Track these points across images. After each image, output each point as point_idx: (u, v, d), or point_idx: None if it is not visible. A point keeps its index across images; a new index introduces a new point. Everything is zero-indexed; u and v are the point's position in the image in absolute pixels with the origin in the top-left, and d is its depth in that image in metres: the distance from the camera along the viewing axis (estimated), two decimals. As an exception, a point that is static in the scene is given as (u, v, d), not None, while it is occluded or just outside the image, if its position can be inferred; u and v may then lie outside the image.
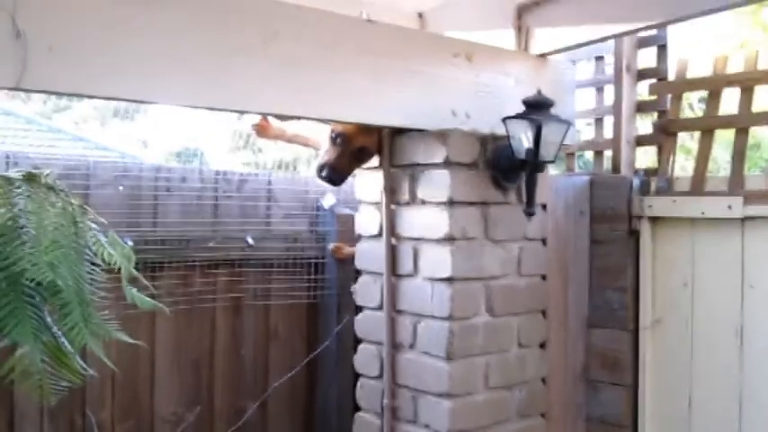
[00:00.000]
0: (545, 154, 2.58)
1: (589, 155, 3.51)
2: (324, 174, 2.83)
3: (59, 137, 7.94)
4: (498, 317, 2.75)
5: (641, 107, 3.18)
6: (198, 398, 3.49)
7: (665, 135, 2.98)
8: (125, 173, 3.27)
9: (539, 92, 2.62)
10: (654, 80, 3.12)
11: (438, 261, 2.64)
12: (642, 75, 3.17)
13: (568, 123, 2.61)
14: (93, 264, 1.80)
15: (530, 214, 2.67)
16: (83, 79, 1.95)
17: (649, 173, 3.00)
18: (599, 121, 3.34)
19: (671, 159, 2.96)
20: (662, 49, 3.11)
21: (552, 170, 3.53)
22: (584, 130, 3.85)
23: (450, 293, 2.60)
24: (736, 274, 2.72)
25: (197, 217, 3.44)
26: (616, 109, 3.14)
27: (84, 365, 2.11)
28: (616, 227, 3.00)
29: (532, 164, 2.59)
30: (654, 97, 3.10)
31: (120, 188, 3.25)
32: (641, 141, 3.16)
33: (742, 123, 2.79)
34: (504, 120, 2.60)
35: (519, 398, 2.82)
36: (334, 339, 3.69)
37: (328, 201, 3.77)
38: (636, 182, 2.98)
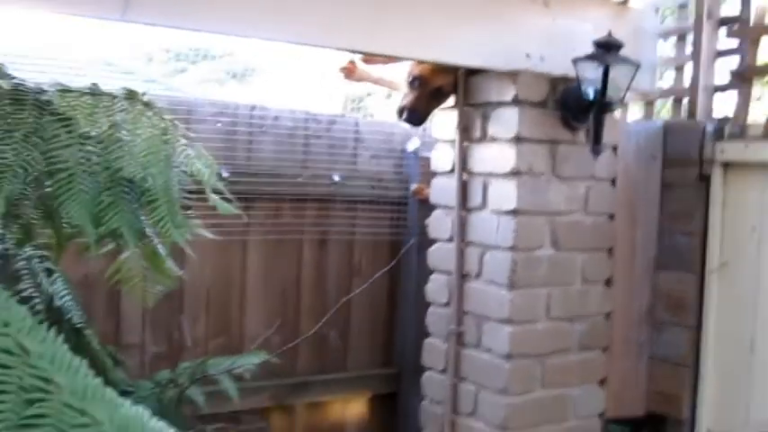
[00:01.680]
0: (613, 95, 2.68)
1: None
2: (403, 116, 3.01)
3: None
4: (562, 251, 2.88)
5: (720, 55, 3.19)
6: (284, 322, 3.77)
7: (740, 81, 3.00)
8: (223, 110, 3.55)
9: (609, 33, 2.70)
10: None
11: (504, 194, 2.79)
12: (724, 22, 3.17)
13: (637, 65, 2.69)
14: (182, 171, 2.04)
15: (596, 153, 2.78)
16: (181, 12, 2.20)
17: (724, 120, 3.03)
18: (680, 70, 3.36)
19: (746, 105, 2.97)
20: (745, -5, 3.10)
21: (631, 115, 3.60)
22: (666, 78, 3.85)
23: (514, 225, 2.75)
24: (805, 218, 2.75)
25: (288, 154, 3.68)
26: (695, 56, 3.17)
27: (177, 268, 2.38)
28: (687, 171, 3.05)
29: (600, 104, 2.69)
30: (733, 44, 3.11)
31: (219, 124, 3.53)
32: (719, 89, 3.17)
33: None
34: (574, 60, 2.70)
35: (580, 330, 2.95)
36: (414, 275, 3.88)
37: (413, 144, 3.95)
38: (709, 128, 3.02)
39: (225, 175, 3.42)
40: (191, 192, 2.30)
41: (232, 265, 3.62)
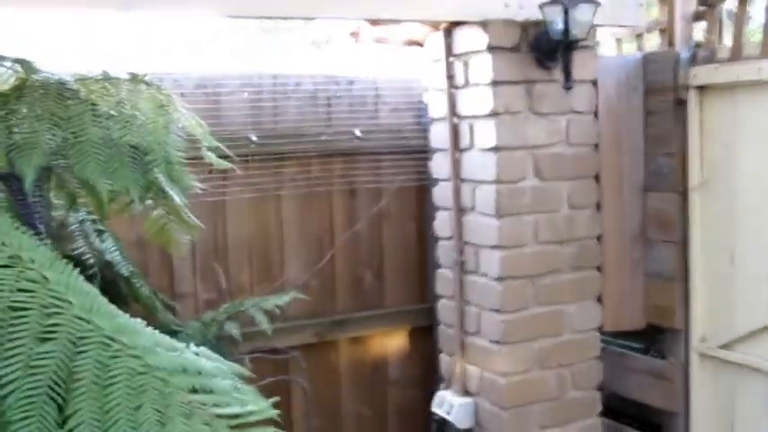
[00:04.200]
0: (577, 33, 2.93)
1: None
2: None
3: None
4: (547, 181, 3.16)
5: (696, -17, 3.35)
6: (321, 267, 4.17)
7: (707, 7, 3.17)
8: (248, 81, 3.95)
9: (569, -23, 2.93)
10: (708, -44, 3.27)
11: (486, 133, 3.09)
12: (699, -48, 3.32)
13: (596, 4, 2.92)
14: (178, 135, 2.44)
15: (568, 88, 3.04)
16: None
17: (697, 46, 3.21)
18: (663, 2, 3.53)
19: (714, 30, 3.15)
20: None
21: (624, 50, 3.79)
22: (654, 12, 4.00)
23: (496, 160, 3.06)
24: (768, 133, 2.93)
25: (311, 115, 4.06)
26: (674, -16, 3.34)
27: (196, 220, 2.81)
28: (665, 98, 3.26)
29: (566, 42, 2.94)
30: (705, -27, 3.26)
31: (245, 94, 3.94)
32: (696, 17, 3.34)
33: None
34: (540, 5, 2.96)
35: (571, 252, 3.24)
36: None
37: (429, 95, 4.25)
38: (684, 55, 3.21)
39: (254, 138, 3.84)
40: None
41: (269, 219, 4.04)
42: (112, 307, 1.87)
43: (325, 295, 4.16)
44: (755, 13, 3.44)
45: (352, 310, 4.22)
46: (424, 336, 4.37)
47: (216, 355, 2.00)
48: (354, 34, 3.71)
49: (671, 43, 3.37)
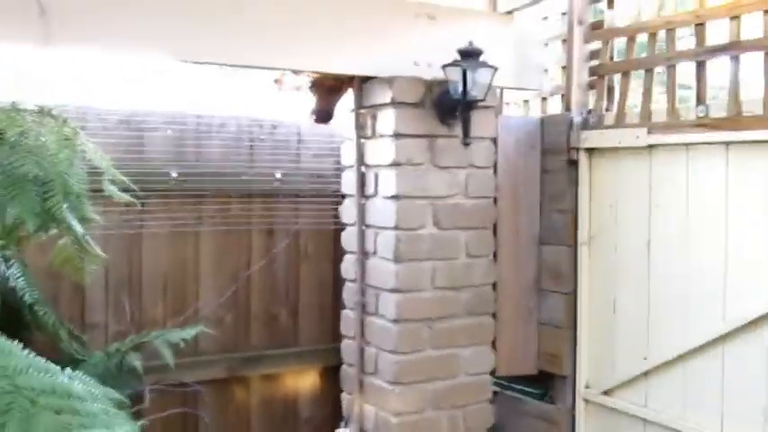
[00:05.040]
0: (475, 93, 3.14)
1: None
2: (314, 119, 3.54)
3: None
4: (445, 230, 3.34)
5: (593, 55, 3.60)
6: (237, 303, 4.27)
7: (597, 77, 3.42)
8: (172, 119, 4.08)
9: (470, 43, 3.16)
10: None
11: (388, 182, 3.27)
12: (595, 26, 3.58)
13: (494, 68, 3.15)
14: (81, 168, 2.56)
15: (466, 144, 3.24)
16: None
17: (588, 112, 3.45)
18: (564, 69, 3.78)
19: (601, 98, 3.40)
20: (610, 2, 3.51)
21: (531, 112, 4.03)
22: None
23: (396, 208, 3.23)
24: (646, 195, 3.16)
25: (233, 155, 4.19)
26: (568, 57, 3.59)
27: (99, 251, 2.91)
28: (559, 158, 3.49)
29: (464, 102, 3.15)
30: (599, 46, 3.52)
31: (169, 132, 4.06)
32: (590, 86, 3.59)
33: (648, 65, 3.21)
34: (443, 66, 3.17)
35: (466, 298, 3.41)
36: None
37: (350, 143, 4.43)
38: (577, 119, 3.45)
39: (174, 175, 3.96)
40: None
41: (186, 254, 4.13)
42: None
43: (240, 331, 4.25)
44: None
45: (265, 348, 4.31)
46: (336, 375, 4.48)
47: (92, 380, 2.09)
48: (278, 81, 3.89)
49: (568, 108, 3.60)
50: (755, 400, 2.77)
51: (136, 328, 3.93)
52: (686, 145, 3.02)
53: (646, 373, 3.18)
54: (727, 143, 2.87)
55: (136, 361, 3.36)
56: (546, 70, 3.82)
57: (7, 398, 1.80)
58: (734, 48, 2.89)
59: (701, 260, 2.96)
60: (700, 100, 3.02)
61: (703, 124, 2.97)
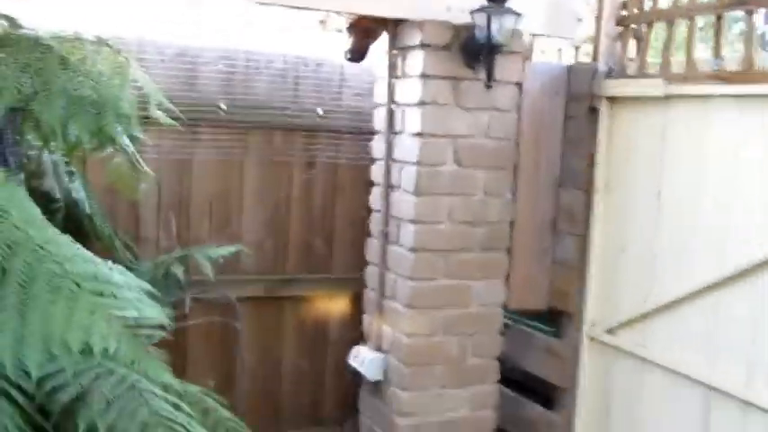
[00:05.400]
0: (499, 38, 3.31)
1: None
2: (348, 57, 3.77)
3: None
4: (465, 167, 3.56)
5: (624, 6, 3.71)
6: (276, 230, 4.58)
7: (622, 27, 3.55)
8: (224, 54, 4.36)
9: (498, -11, 3.32)
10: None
11: (414, 120, 3.49)
12: (627, -22, 3.69)
13: (518, 15, 3.31)
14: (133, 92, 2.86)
15: (488, 87, 3.43)
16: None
17: (613, 61, 3.59)
18: (598, 19, 3.90)
19: (624, 49, 3.53)
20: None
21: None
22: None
23: (420, 145, 3.45)
24: (660, 145, 3.30)
25: (279, 91, 4.46)
26: (599, 7, 3.71)
27: (147, 170, 3.24)
28: (581, 105, 3.64)
29: (488, 46, 3.33)
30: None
31: (220, 66, 4.35)
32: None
33: (668, 16, 3.32)
34: (471, 12, 3.35)
35: (482, 233, 3.63)
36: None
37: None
38: (602, 68, 3.59)
39: (223, 107, 4.26)
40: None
41: (232, 181, 4.46)
42: (46, 222, 2.29)
43: (278, 256, 4.57)
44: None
45: (300, 272, 4.63)
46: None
47: (129, 273, 2.42)
48: (323, 22, 4.12)
49: (595, 57, 3.74)
50: (741, 344, 2.95)
51: (183, 245, 4.30)
52: (701, 96, 3.14)
53: (645, 315, 3.37)
54: (739, 96, 2.99)
55: (179, 271, 3.71)
56: (580, 20, 3.95)
57: (58, 280, 2.14)
58: (749, 2, 2.99)
59: (706, 211, 3.10)
60: (716, 53, 3.13)
61: (717, 77, 3.09)
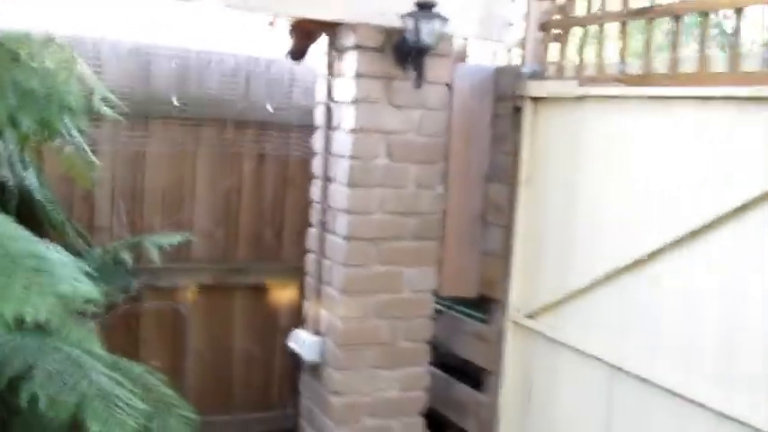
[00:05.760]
0: (427, 41, 3.55)
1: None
2: (289, 57, 4.01)
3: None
4: (397, 162, 3.80)
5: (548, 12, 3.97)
6: (227, 220, 4.80)
7: (543, 32, 3.81)
8: (176, 52, 4.57)
9: (426, -5, 3.56)
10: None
11: (348, 117, 3.72)
12: (555, -16, 3.94)
13: (444, 19, 3.55)
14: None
15: (417, 86, 3.68)
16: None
17: (536, 64, 3.85)
18: (527, 24, 4.15)
19: (544, 52, 3.79)
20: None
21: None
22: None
23: (353, 140, 3.69)
24: (574, 141, 3.57)
25: (231, 89, 4.68)
26: (528, 12, 3.96)
27: (95, 159, 3.45)
28: (507, 104, 3.90)
29: (417, 49, 3.58)
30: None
31: (173, 64, 4.56)
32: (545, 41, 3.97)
33: (582, 23, 3.59)
34: (401, 16, 3.59)
35: (414, 223, 3.88)
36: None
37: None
38: (525, 70, 3.84)
39: (175, 102, 4.48)
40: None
41: (185, 173, 4.67)
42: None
43: (229, 245, 4.79)
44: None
45: (250, 261, 4.85)
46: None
47: (66, 253, 2.64)
48: (272, 24, 4.34)
49: (524, 60, 3.99)
50: (643, 326, 3.21)
51: (136, 233, 4.50)
52: (608, 97, 3.41)
53: (560, 300, 3.63)
54: (639, 97, 3.26)
55: (127, 257, 3.93)
56: (511, 24, 4.20)
57: (-3, 258, 2.36)
58: (649, 12, 3.26)
59: (613, 203, 3.36)
60: (621, 58, 3.40)
61: (621, 80, 3.36)
